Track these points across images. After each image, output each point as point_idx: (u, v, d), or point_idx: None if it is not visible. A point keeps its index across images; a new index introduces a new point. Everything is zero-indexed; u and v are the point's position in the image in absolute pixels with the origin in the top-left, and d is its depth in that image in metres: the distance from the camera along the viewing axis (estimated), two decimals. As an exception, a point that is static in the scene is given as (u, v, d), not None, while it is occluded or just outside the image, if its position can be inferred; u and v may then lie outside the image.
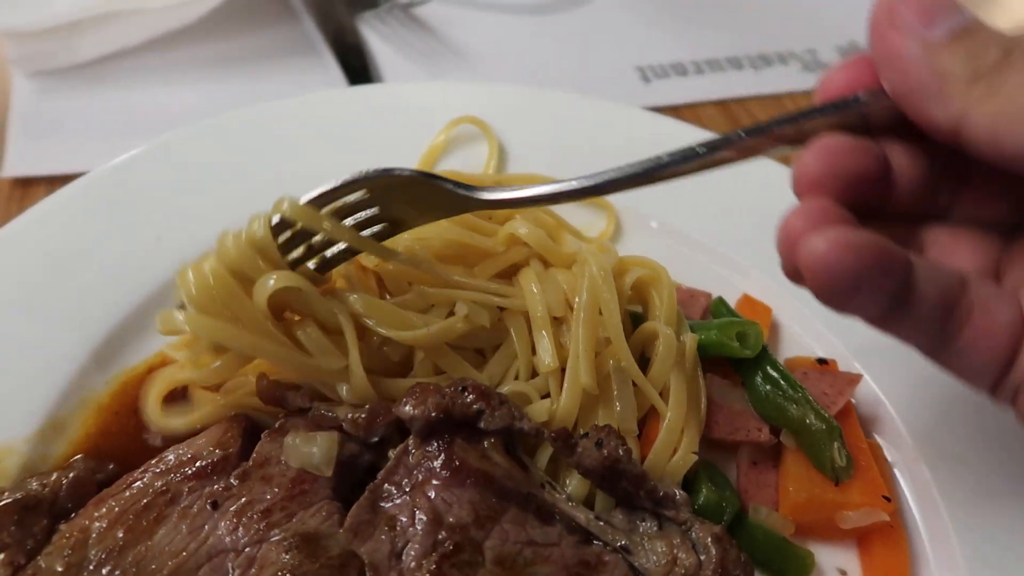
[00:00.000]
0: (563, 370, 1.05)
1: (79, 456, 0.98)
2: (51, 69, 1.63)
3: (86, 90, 1.61)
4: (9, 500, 0.87)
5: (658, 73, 1.83)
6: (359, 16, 1.85)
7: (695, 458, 1.01)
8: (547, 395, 1.06)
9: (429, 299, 1.08)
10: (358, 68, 1.75)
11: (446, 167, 1.36)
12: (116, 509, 0.89)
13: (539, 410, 1.03)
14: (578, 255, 1.14)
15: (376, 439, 0.96)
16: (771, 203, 1.35)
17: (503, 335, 1.10)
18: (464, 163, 1.37)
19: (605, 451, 0.92)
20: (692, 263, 1.31)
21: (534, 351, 1.09)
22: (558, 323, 1.10)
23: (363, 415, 0.95)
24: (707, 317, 1.22)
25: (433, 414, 0.92)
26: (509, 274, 1.18)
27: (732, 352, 1.09)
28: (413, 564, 0.85)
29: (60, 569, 0.83)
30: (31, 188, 1.44)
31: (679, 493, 0.94)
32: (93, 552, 0.85)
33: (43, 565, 0.84)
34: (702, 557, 0.89)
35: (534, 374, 1.09)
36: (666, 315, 1.10)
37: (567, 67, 1.82)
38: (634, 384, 1.05)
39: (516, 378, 1.08)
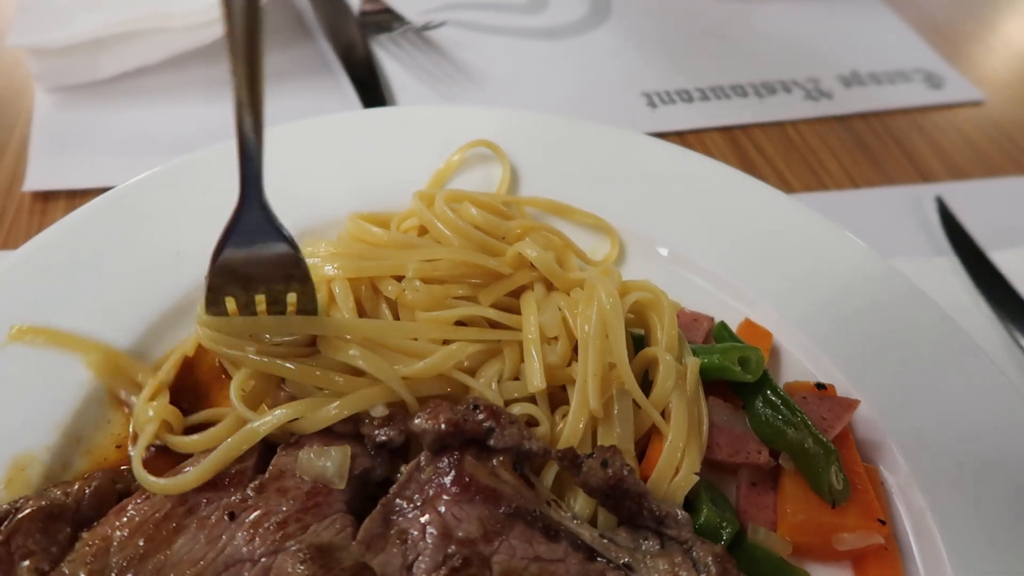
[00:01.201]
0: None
1: (103, 470, 1.01)
2: (72, 85, 1.67)
3: (106, 106, 1.66)
4: (34, 508, 0.90)
5: (664, 99, 1.87)
6: (373, 38, 1.89)
7: (696, 479, 1.04)
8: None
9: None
10: (369, 89, 1.79)
11: (460, 187, 1.40)
12: (137, 519, 0.92)
13: (544, 431, 1.06)
14: (586, 281, 1.17)
15: (386, 440, 0.98)
16: (774, 230, 1.40)
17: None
18: (478, 184, 1.41)
19: (610, 470, 0.95)
20: (695, 288, 1.34)
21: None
22: (552, 343, 1.14)
23: (381, 418, 0.99)
24: (709, 341, 1.25)
25: (444, 428, 0.95)
26: (517, 293, 1.22)
27: (734, 376, 1.12)
28: (424, 577, 0.88)
29: (83, 576, 0.86)
30: (52, 202, 1.48)
31: (681, 513, 0.97)
32: (115, 560, 0.88)
33: (67, 572, 0.86)
34: (702, 575, 0.92)
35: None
36: (667, 338, 1.13)
37: (575, 92, 1.87)
38: (636, 405, 1.08)
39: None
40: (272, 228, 0.97)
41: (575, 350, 1.14)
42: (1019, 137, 1.90)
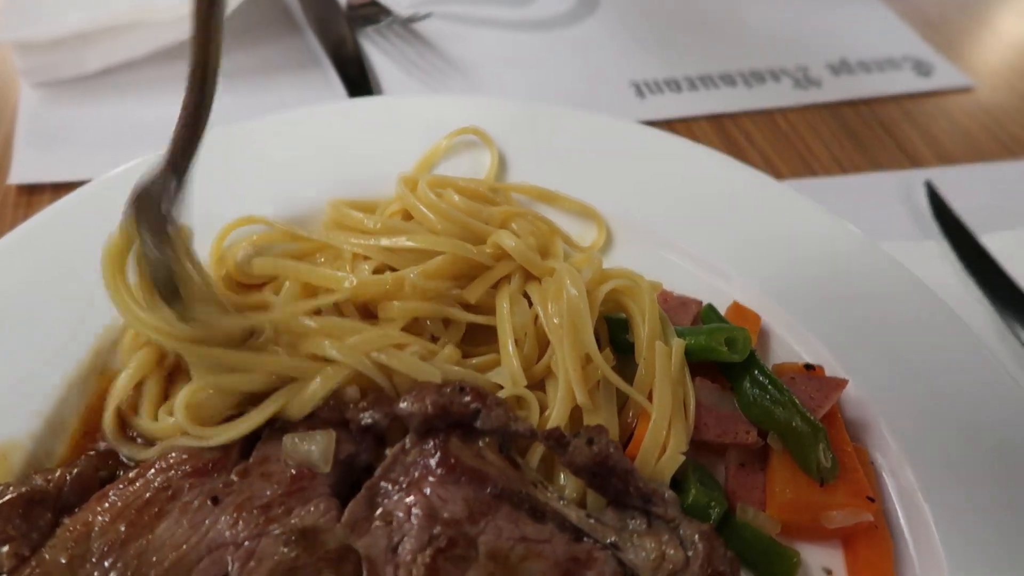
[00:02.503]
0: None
1: (89, 453, 1.01)
2: (58, 80, 1.66)
3: (92, 101, 1.65)
4: (14, 494, 0.89)
5: (652, 89, 1.87)
6: (360, 31, 1.89)
7: (683, 459, 1.03)
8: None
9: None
10: (357, 80, 1.79)
11: (448, 174, 1.40)
12: (119, 504, 0.91)
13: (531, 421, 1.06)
14: (556, 274, 1.17)
15: (371, 422, 0.98)
16: (762, 215, 1.40)
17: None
18: (465, 172, 1.41)
19: (596, 448, 0.94)
20: (684, 272, 1.34)
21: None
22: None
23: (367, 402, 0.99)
24: (698, 324, 1.25)
25: (431, 411, 0.95)
26: (500, 284, 1.22)
27: (721, 357, 1.12)
28: (409, 558, 0.87)
29: (64, 561, 0.85)
30: (37, 195, 1.47)
31: (668, 491, 0.96)
32: (96, 545, 0.87)
33: (47, 557, 0.86)
34: (690, 553, 0.92)
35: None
36: (649, 321, 1.13)
37: (564, 82, 1.87)
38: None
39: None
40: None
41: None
42: (1008, 123, 1.90)
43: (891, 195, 1.67)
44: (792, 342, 1.25)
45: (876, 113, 1.89)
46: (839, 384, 1.14)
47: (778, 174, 1.69)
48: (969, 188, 1.68)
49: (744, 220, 1.38)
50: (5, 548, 0.85)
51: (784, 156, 1.75)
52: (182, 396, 0.97)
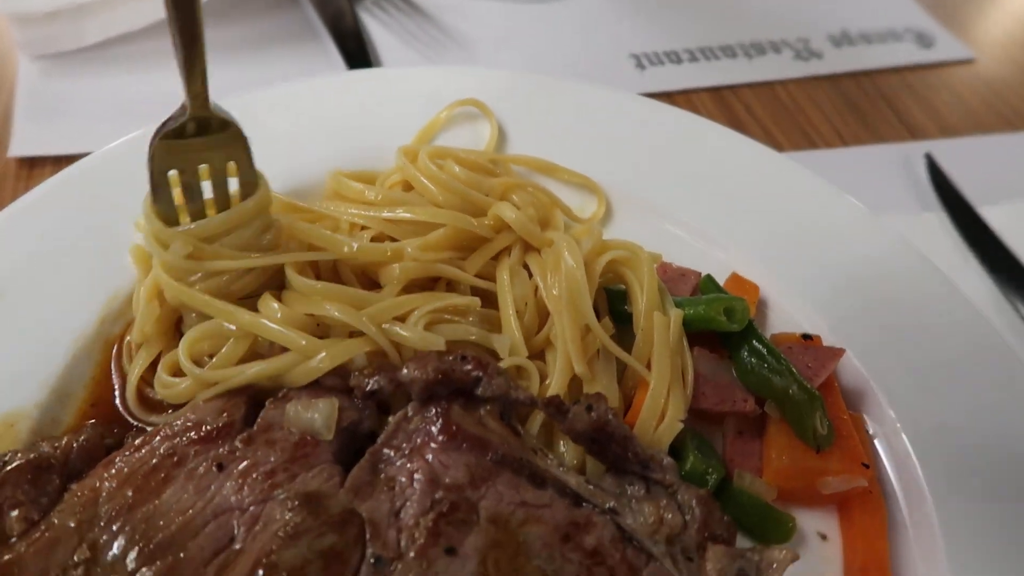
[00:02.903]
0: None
1: (90, 421, 1.02)
2: (56, 52, 1.66)
3: (91, 73, 1.65)
4: (22, 461, 0.91)
5: (652, 61, 1.86)
6: (359, 3, 1.88)
7: (681, 426, 1.05)
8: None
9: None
10: (355, 53, 1.78)
11: (446, 144, 1.40)
12: (125, 470, 0.92)
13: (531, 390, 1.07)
14: (554, 245, 1.17)
15: (376, 389, 0.99)
16: (761, 186, 1.40)
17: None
18: (465, 144, 1.41)
19: (594, 414, 0.95)
20: (683, 243, 1.34)
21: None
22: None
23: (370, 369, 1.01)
24: (697, 295, 1.25)
25: (433, 377, 0.96)
26: (500, 256, 1.23)
27: (719, 326, 1.13)
28: (411, 522, 0.89)
29: (72, 525, 0.87)
30: (37, 168, 1.47)
31: (666, 457, 0.98)
32: (104, 510, 0.88)
33: (56, 522, 0.87)
34: (687, 518, 0.93)
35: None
36: (647, 291, 1.14)
37: (563, 55, 1.86)
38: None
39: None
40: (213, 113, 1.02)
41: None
42: (1009, 95, 1.89)
43: (891, 167, 1.67)
44: (790, 312, 1.26)
45: (877, 85, 1.88)
46: (836, 353, 1.15)
47: (779, 146, 1.69)
48: (969, 160, 1.68)
49: (744, 192, 1.38)
50: (14, 513, 0.87)
51: (785, 128, 1.74)
52: (184, 340, 1.03)
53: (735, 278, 1.29)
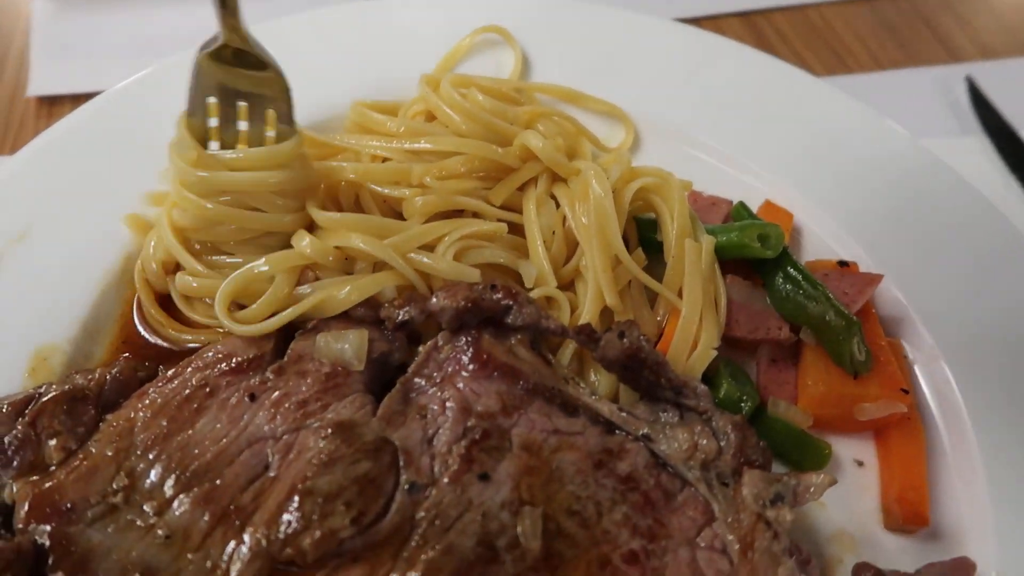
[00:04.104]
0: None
1: (124, 356, 1.03)
2: (69, -11, 1.63)
3: (105, 10, 1.62)
4: (58, 392, 0.91)
5: (680, -15, 1.79)
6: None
7: (714, 354, 1.03)
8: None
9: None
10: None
11: (469, 72, 1.36)
12: (159, 401, 0.93)
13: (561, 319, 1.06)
14: (582, 174, 1.14)
15: (407, 319, 0.98)
16: (795, 110, 1.35)
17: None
18: (488, 73, 1.37)
19: (627, 341, 0.94)
20: (714, 171, 1.31)
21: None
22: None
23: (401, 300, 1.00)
24: (729, 223, 1.22)
25: (463, 304, 0.95)
26: (526, 187, 1.19)
27: (753, 253, 1.10)
28: (444, 449, 0.89)
29: (110, 454, 0.87)
30: (57, 107, 1.46)
31: (699, 384, 0.96)
32: (139, 439, 0.89)
33: (93, 451, 0.88)
34: (722, 443, 0.92)
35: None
36: (678, 219, 1.11)
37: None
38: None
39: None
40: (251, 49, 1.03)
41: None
42: (1055, 14, 1.81)
43: (930, 91, 1.61)
44: (826, 239, 1.23)
45: (914, 5, 1.80)
46: (873, 279, 1.12)
47: (812, 72, 1.62)
48: (1012, 83, 1.62)
49: (777, 117, 1.34)
50: (52, 442, 0.88)
51: (818, 53, 1.68)
52: (222, 288, 1.00)
53: (768, 205, 1.25)
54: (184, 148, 1.03)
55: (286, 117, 1.09)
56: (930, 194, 1.23)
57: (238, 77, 1.05)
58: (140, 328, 1.09)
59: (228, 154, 1.05)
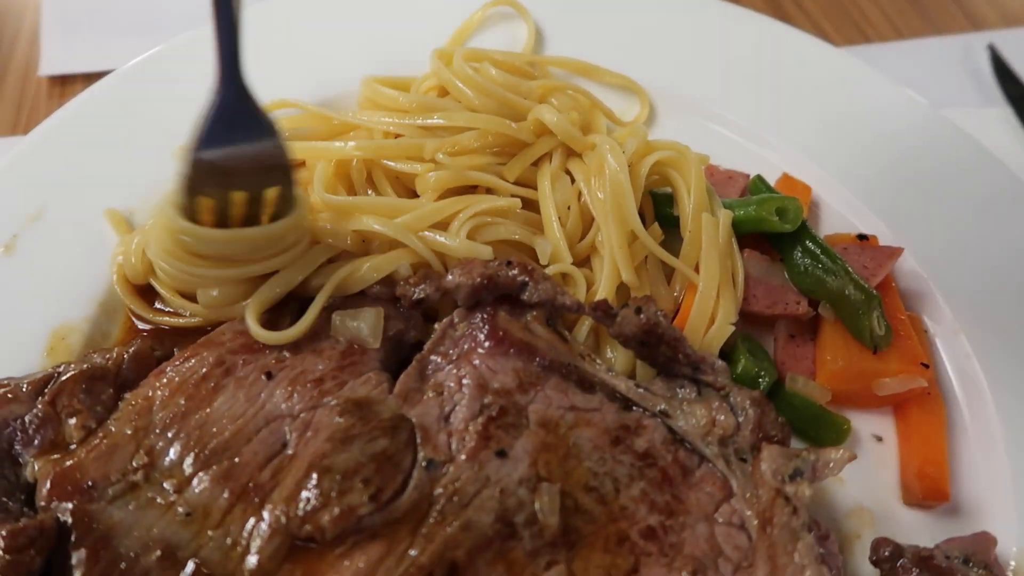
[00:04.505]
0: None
1: (142, 335, 1.03)
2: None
3: (115, -13, 1.60)
4: (76, 371, 0.92)
5: (695, -46, 1.75)
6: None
7: (732, 329, 1.02)
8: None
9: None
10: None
11: (481, 46, 1.34)
12: (176, 380, 0.93)
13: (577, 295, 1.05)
14: (598, 148, 1.12)
15: (423, 296, 0.98)
16: (812, 81, 1.33)
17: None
18: (500, 45, 1.35)
19: (644, 316, 0.93)
20: (730, 144, 1.30)
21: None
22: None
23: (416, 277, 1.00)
24: (746, 197, 1.21)
25: (479, 281, 0.94)
26: (541, 162, 1.18)
27: (771, 227, 1.09)
28: (461, 426, 0.89)
29: (129, 432, 0.88)
30: (69, 85, 1.45)
31: (717, 360, 0.96)
32: (158, 417, 0.89)
33: (113, 429, 0.88)
34: (740, 419, 0.92)
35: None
36: (695, 193, 1.09)
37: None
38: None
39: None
40: (252, 114, 0.89)
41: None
42: (1081, -21, 1.76)
43: (951, 60, 1.57)
44: (844, 213, 1.22)
45: (936, -28, 1.76)
46: (893, 253, 1.10)
47: (830, 42, 1.59)
48: (1036, 51, 1.58)
49: (795, 88, 1.32)
50: (72, 421, 0.88)
51: (836, 22, 1.65)
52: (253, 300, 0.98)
53: (786, 179, 1.24)
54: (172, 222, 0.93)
55: (288, 192, 0.96)
56: (951, 166, 1.21)
57: (235, 168, 0.91)
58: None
59: (220, 234, 0.94)
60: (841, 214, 1.22)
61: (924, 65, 1.56)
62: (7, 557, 0.76)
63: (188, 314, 1.05)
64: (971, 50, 1.59)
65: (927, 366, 1.01)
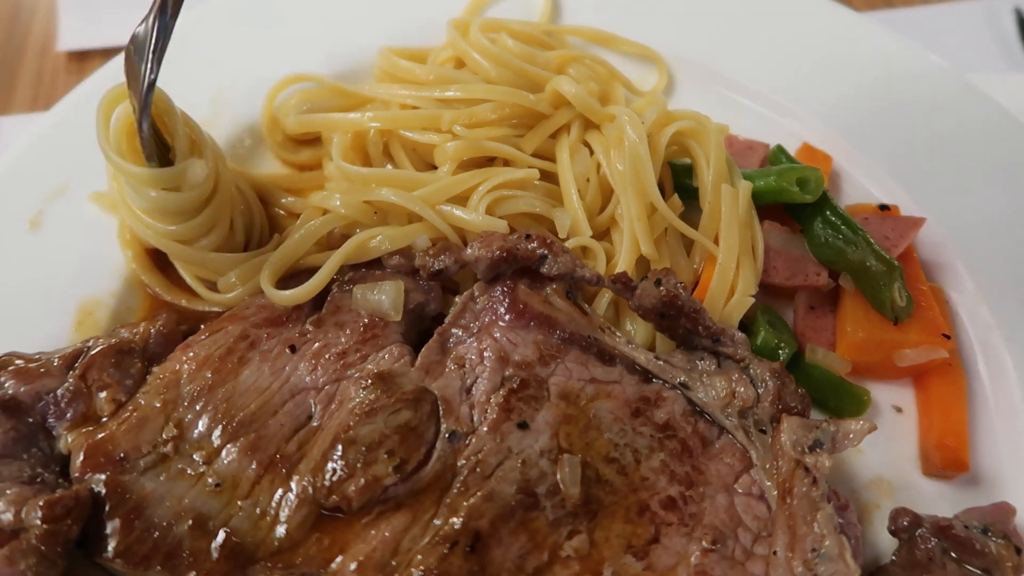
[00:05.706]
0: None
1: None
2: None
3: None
4: (105, 345, 0.93)
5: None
6: None
7: (752, 300, 1.02)
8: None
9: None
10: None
11: (498, 15, 1.33)
12: (202, 354, 0.94)
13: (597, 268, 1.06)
14: (617, 119, 1.12)
15: (441, 268, 0.99)
16: (834, 48, 1.31)
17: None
18: (516, 14, 1.34)
19: (663, 288, 0.93)
20: (750, 114, 1.28)
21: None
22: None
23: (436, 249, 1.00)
24: (765, 167, 1.20)
25: (498, 254, 0.95)
26: (559, 134, 1.18)
27: (792, 198, 1.08)
28: (483, 398, 0.90)
29: (158, 405, 0.90)
30: (87, 61, 1.46)
31: (737, 332, 0.96)
32: (186, 390, 0.91)
33: (142, 402, 0.90)
34: (760, 391, 0.92)
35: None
36: (715, 163, 1.09)
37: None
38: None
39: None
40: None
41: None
42: (1113, -62, 1.71)
43: (977, 24, 1.55)
44: (866, 183, 1.21)
45: (963, -66, 1.71)
46: (915, 223, 1.10)
47: (852, 7, 1.56)
48: (1064, 14, 1.55)
49: (816, 56, 1.30)
50: (103, 395, 0.90)
51: (859, -13, 1.62)
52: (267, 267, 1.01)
53: (806, 149, 1.23)
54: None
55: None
56: (976, 133, 1.19)
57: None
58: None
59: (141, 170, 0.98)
60: (862, 184, 1.20)
61: (948, 30, 1.54)
62: (46, 526, 0.78)
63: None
64: (997, 14, 1.56)
65: (948, 337, 1.01)
